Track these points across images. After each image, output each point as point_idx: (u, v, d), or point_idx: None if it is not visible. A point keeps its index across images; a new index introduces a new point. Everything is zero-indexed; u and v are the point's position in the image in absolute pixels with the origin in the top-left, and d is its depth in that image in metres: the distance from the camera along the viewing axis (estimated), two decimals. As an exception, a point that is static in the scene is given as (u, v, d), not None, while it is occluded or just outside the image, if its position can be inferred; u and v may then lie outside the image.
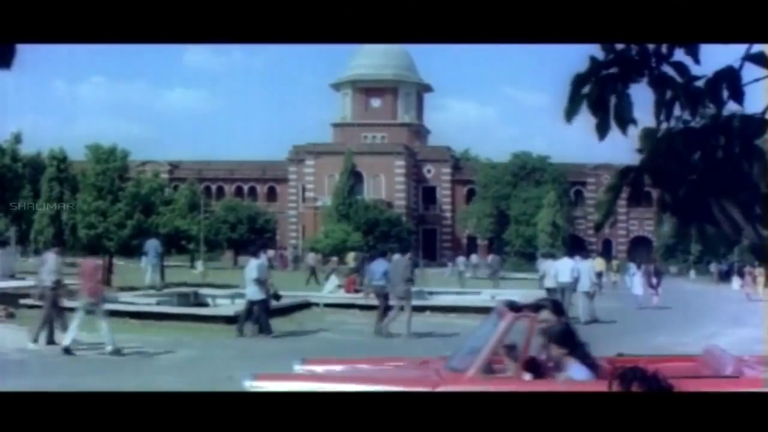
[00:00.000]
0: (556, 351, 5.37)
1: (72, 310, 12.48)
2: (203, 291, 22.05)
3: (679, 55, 2.05)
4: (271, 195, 74.85)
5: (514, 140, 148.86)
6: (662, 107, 2.07)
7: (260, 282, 14.58)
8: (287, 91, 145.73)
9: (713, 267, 49.78)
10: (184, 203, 33.09)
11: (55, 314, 12.71)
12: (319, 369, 6.58)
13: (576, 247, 43.26)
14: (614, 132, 2.12)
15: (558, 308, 5.95)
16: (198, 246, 34.10)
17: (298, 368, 6.46)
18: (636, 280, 26.07)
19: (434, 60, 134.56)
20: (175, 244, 30.07)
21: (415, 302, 16.18)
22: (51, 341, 12.53)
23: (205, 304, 19.69)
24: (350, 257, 33.43)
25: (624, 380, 3.02)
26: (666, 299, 24.93)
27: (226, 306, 18.54)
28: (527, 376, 5.58)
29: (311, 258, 37.61)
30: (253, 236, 59.34)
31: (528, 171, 68.01)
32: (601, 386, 3.10)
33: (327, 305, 19.77)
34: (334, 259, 37.93)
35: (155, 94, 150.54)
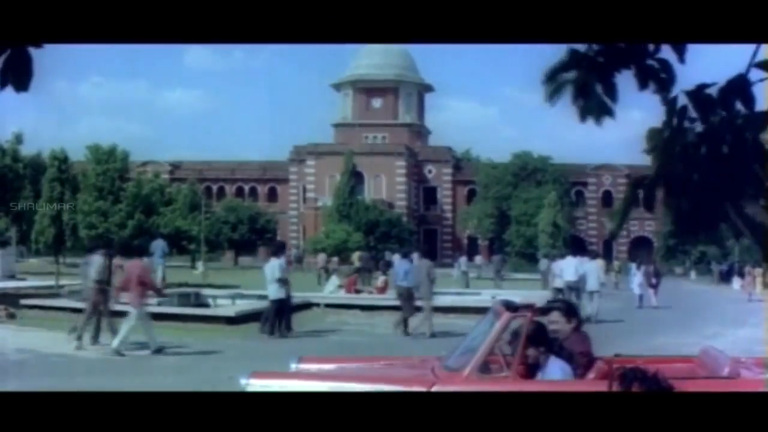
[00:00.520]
0: (532, 351, 5.43)
1: (119, 313, 12.73)
2: (204, 291, 22.04)
3: (666, 52, 2.06)
4: (272, 195, 74.88)
5: (515, 140, 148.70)
6: (673, 114, 2.07)
7: (283, 281, 14.81)
8: (288, 92, 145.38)
9: (714, 267, 49.77)
10: (184, 203, 33.14)
11: (100, 315, 12.98)
12: (314, 368, 6.56)
13: (577, 247, 43.22)
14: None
15: (570, 310, 5.96)
16: (199, 246, 34.14)
17: (294, 367, 6.46)
18: (635, 281, 26.10)
19: (435, 60, 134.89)
20: (176, 244, 30.09)
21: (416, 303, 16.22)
22: (96, 341, 12.80)
23: (205, 305, 19.65)
24: (355, 257, 33.50)
25: (624, 381, 3.02)
26: (667, 299, 24.92)
27: (226, 306, 18.53)
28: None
29: (321, 259, 37.63)
30: (254, 237, 59.43)
31: (529, 171, 68.04)
32: (598, 385, 3.10)
33: (327, 305, 19.81)
34: (335, 259, 37.96)
35: (156, 95, 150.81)
